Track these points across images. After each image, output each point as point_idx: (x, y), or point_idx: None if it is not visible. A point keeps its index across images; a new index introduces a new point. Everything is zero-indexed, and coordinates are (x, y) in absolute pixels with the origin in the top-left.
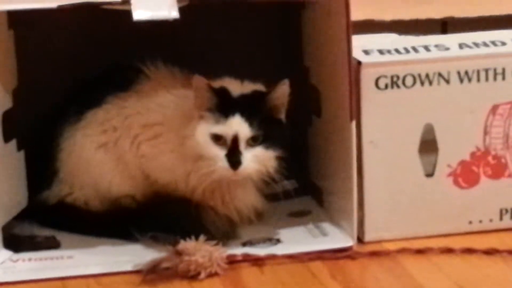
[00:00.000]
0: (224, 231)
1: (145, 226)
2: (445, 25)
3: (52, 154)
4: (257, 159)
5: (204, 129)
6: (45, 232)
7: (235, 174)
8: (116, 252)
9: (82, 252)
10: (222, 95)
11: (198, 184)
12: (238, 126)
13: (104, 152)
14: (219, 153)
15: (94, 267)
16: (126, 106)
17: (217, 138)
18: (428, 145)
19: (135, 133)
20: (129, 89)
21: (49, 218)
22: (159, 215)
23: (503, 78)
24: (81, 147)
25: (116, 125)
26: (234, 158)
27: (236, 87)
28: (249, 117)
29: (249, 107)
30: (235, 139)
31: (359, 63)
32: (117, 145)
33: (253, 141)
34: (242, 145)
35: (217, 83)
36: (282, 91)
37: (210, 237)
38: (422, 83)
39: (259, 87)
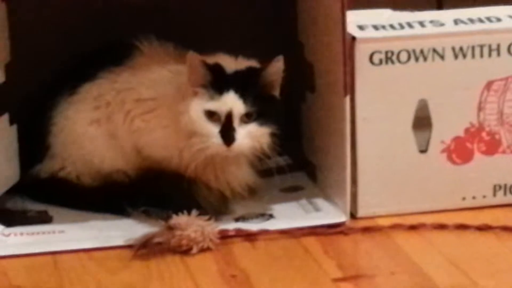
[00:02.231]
0: (216, 206)
1: (137, 201)
2: (441, 1)
3: (44, 128)
4: (251, 136)
5: (198, 105)
6: (37, 207)
7: (229, 150)
8: (108, 227)
9: (74, 227)
10: (216, 71)
11: (191, 160)
12: (232, 102)
13: (97, 127)
14: (213, 130)
15: (86, 242)
16: (119, 81)
17: (211, 115)
18: (422, 121)
19: (128, 108)
20: (123, 64)
21: (41, 193)
22: (152, 190)
23: (498, 54)
24: (74, 122)
25: (109, 100)
26: (227, 135)
27: (230, 63)
28: (243, 94)
29: (243, 83)
30: (229, 116)
31: (353, 38)
32: (110, 120)
33: (247, 118)
34: (236, 122)
35: (211, 59)
36: (277, 67)
37: (203, 212)
38: (416, 59)
39: (253, 63)
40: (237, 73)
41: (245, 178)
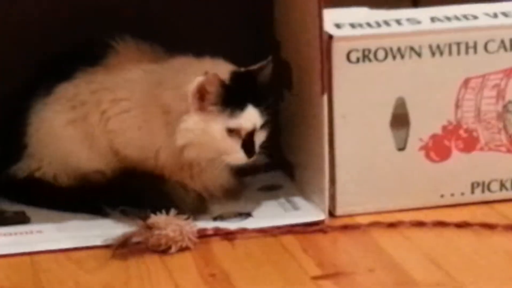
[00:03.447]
0: (193, 207)
1: (115, 201)
2: None
3: (21, 128)
4: (260, 141)
5: (219, 124)
6: (14, 207)
7: (248, 161)
8: (86, 227)
9: (52, 227)
10: (229, 87)
11: (167, 160)
12: (254, 118)
13: (73, 127)
14: (235, 146)
15: (64, 242)
16: (94, 81)
17: (231, 131)
18: (400, 119)
19: (103, 108)
20: (98, 64)
21: (18, 193)
22: (128, 191)
23: (475, 52)
24: (50, 122)
25: (84, 100)
26: (250, 149)
27: (197, 65)
28: (258, 106)
29: (254, 94)
30: (252, 131)
31: (330, 37)
32: (85, 121)
33: (260, 128)
34: (255, 135)
35: (177, 62)
36: (269, 68)
37: (180, 212)
38: (394, 57)
39: (221, 63)
40: (244, 85)
41: (222, 177)
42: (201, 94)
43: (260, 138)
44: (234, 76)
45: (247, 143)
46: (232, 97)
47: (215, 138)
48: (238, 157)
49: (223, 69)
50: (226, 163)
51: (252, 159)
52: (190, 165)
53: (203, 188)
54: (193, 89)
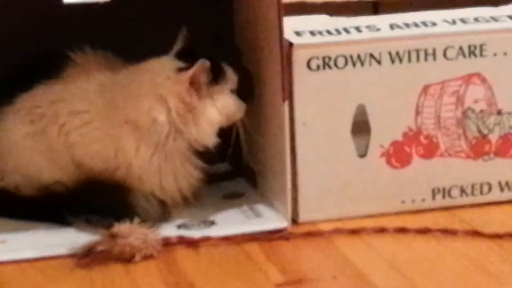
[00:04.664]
0: (156, 216)
1: (77, 211)
2: (377, 6)
3: None
4: None
5: (226, 93)
6: None
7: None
8: (50, 236)
9: (15, 237)
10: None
11: (140, 172)
12: (231, 71)
13: (33, 140)
14: (239, 100)
15: (28, 252)
16: (52, 93)
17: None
18: (361, 126)
19: (62, 122)
20: (57, 75)
21: None
22: (89, 201)
23: (434, 59)
24: (10, 134)
25: (43, 112)
26: (243, 97)
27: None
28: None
29: (211, 53)
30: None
31: (290, 44)
32: (44, 134)
33: None
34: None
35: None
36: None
37: (143, 221)
38: (354, 64)
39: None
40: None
41: (185, 185)
42: (196, 86)
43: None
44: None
45: (240, 93)
46: (214, 68)
47: (233, 103)
48: (244, 107)
49: (171, 65)
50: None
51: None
52: (156, 173)
53: (168, 194)
54: (185, 87)
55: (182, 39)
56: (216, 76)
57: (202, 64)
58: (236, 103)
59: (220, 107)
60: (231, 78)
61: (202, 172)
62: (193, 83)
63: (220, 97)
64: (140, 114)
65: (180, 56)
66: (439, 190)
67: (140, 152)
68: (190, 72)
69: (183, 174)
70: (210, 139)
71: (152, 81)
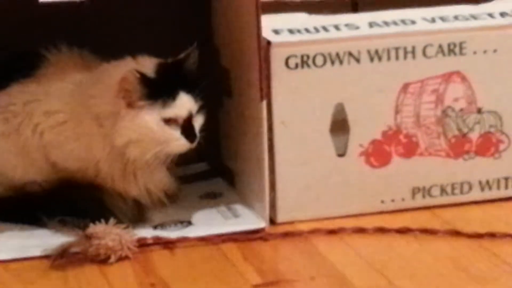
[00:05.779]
0: (131, 216)
1: (52, 212)
2: (356, 5)
3: None
4: (200, 126)
5: (153, 117)
6: None
7: (191, 146)
8: (24, 237)
9: None
10: (153, 79)
11: (109, 170)
12: (188, 104)
13: (6, 139)
14: (175, 134)
15: (1, 253)
16: (26, 92)
17: (168, 120)
18: (340, 125)
19: (36, 121)
20: (31, 75)
21: None
22: (65, 201)
23: (413, 57)
24: None
25: (16, 111)
26: (190, 134)
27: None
28: (189, 92)
29: (183, 81)
30: (189, 117)
31: (268, 43)
32: (18, 133)
33: (196, 112)
34: (193, 120)
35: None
36: (195, 54)
37: (118, 221)
38: (332, 63)
39: (151, 59)
40: (173, 74)
41: (162, 185)
42: (124, 93)
43: (198, 122)
44: (160, 67)
45: (187, 129)
46: (160, 88)
47: (153, 130)
48: (180, 144)
49: (148, 64)
50: (171, 154)
51: (195, 143)
52: (133, 172)
53: (145, 194)
54: (114, 91)
55: (184, 54)
56: (153, 95)
57: (130, 72)
58: (162, 132)
59: (136, 125)
60: (177, 109)
61: (174, 172)
62: (121, 90)
63: (142, 116)
64: (102, 112)
65: (160, 67)
66: (419, 189)
67: (106, 149)
68: (119, 77)
69: (155, 174)
70: (119, 145)
71: (109, 82)
